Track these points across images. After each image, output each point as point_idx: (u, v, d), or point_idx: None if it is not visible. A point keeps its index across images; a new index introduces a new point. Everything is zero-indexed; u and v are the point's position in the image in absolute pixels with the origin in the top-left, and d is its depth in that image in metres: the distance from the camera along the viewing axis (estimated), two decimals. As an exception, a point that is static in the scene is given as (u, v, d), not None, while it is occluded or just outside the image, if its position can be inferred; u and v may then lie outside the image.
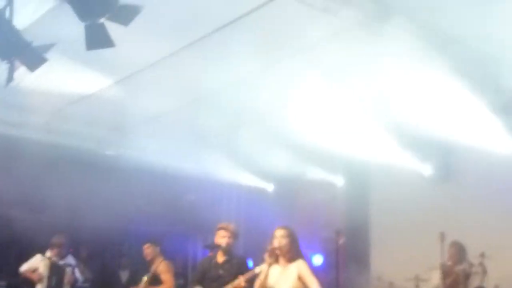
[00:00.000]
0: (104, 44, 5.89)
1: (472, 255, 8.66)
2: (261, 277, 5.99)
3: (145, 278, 8.57)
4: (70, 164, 10.48)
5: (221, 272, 6.97)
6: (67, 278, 9.27)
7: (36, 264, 9.26)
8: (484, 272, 8.45)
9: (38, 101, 9.65)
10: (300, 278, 5.84)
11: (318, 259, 11.37)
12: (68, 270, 9.33)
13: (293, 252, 5.97)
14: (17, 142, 10.15)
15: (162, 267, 8.67)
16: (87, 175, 10.59)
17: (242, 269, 6.93)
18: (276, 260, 5.98)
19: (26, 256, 9.47)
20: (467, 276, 8.41)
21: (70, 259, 9.56)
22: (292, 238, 6.02)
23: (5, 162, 9.98)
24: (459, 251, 8.83)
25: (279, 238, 5.97)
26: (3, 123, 10.08)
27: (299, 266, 5.91)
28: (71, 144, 10.83)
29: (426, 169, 10.54)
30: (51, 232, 9.48)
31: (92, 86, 9.39)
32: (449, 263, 8.77)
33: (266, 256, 6.01)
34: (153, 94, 9.37)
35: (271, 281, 5.94)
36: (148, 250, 8.90)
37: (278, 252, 5.95)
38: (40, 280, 9.14)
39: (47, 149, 10.23)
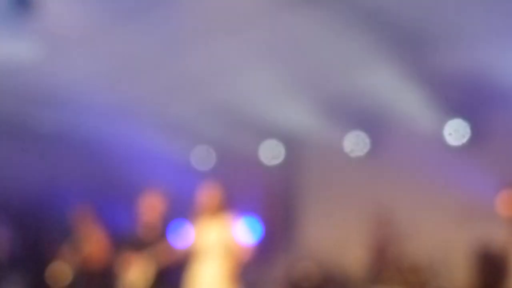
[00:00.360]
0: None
1: (396, 226, 8.93)
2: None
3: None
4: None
5: (150, 240, 6.96)
6: None
7: None
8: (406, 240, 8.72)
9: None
10: (230, 232, 6.03)
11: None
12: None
13: (223, 207, 6.14)
14: None
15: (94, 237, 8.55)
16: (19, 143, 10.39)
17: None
18: (205, 216, 6.20)
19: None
20: (390, 243, 8.68)
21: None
22: (221, 193, 6.23)
23: None
24: (385, 216, 9.09)
25: (209, 194, 6.21)
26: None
27: (229, 220, 6.09)
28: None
29: (355, 145, 10.68)
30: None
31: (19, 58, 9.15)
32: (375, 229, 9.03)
33: (196, 213, 6.32)
34: (85, 63, 9.19)
35: (200, 235, 6.16)
36: (79, 217, 8.79)
37: (208, 207, 6.20)
38: None
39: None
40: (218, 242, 5.92)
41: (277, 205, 11.34)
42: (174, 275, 7.27)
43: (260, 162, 11.62)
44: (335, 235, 9.66)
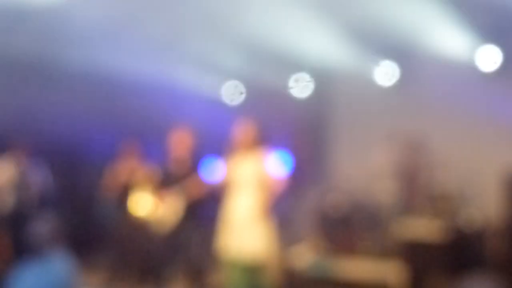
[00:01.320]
0: None
1: (431, 157, 8.93)
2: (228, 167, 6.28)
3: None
4: (23, 78, 10.34)
5: (181, 175, 7.06)
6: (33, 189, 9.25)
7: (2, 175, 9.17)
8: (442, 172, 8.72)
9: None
10: (264, 167, 6.07)
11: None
12: (36, 179, 9.26)
13: (258, 143, 6.18)
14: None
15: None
16: (42, 88, 10.48)
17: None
18: (240, 152, 6.25)
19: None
20: (424, 174, 8.70)
21: (37, 170, 9.48)
22: (257, 129, 6.25)
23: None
24: (418, 146, 9.10)
25: (244, 130, 6.22)
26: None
27: (263, 156, 6.12)
28: (23, 59, 10.63)
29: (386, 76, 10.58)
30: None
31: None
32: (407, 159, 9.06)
33: (232, 148, 6.35)
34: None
35: (235, 170, 6.21)
36: (126, 153, 8.76)
37: (242, 143, 6.23)
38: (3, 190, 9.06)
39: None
40: (252, 176, 6.00)
41: (307, 138, 11.38)
42: (205, 209, 7.41)
43: (290, 95, 11.61)
44: (366, 166, 9.71)
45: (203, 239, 7.02)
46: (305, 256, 8.53)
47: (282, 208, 7.61)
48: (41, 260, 4.81)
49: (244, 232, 5.87)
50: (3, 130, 9.92)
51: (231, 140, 6.23)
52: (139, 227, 8.15)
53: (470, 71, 9.60)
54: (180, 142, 7.25)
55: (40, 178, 9.41)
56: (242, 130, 6.18)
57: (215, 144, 11.27)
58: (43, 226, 4.95)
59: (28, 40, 10.13)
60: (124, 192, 8.42)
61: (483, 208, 8.59)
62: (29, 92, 10.17)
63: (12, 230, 9.01)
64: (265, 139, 6.24)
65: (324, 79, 11.63)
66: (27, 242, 4.99)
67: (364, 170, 9.67)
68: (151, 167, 8.56)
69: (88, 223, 11.91)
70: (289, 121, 11.58)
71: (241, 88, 12.34)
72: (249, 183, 6.01)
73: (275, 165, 6.09)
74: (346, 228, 8.54)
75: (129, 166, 8.62)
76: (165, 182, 7.13)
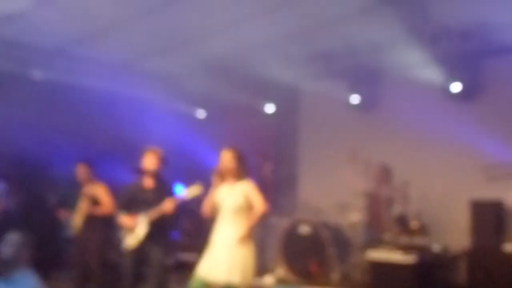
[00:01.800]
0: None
1: (396, 182, 9.01)
2: (210, 196, 6.31)
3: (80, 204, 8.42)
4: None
5: (149, 197, 7.06)
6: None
7: None
8: (406, 199, 8.83)
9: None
10: (246, 197, 6.20)
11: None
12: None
13: (240, 173, 6.29)
14: None
15: (99, 190, 8.52)
16: (9, 97, 10.33)
17: (171, 194, 7.08)
18: (223, 180, 6.30)
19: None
20: (390, 201, 8.74)
21: (1, 185, 9.33)
22: (239, 159, 6.34)
23: None
24: (385, 173, 9.18)
25: (226, 160, 6.28)
26: None
27: (246, 185, 6.25)
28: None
29: (354, 98, 10.71)
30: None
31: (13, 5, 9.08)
32: (374, 187, 9.11)
33: (214, 177, 6.30)
34: (80, 14, 9.13)
35: (219, 198, 6.27)
36: (81, 170, 8.70)
37: (225, 173, 6.26)
38: None
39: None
40: (235, 202, 6.21)
41: (274, 154, 11.50)
42: (170, 226, 7.48)
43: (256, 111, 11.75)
44: (334, 188, 9.81)
45: (163, 256, 7.06)
46: (272, 284, 8.57)
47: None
48: (7, 280, 4.70)
49: (224, 256, 6.04)
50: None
51: (215, 168, 6.34)
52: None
53: (437, 94, 9.75)
54: (151, 162, 7.21)
55: (5, 196, 9.25)
56: (225, 158, 6.31)
57: (184, 159, 11.33)
58: (8, 246, 4.82)
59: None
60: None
61: (451, 233, 8.72)
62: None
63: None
64: (246, 167, 6.42)
65: (292, 97, 11.78)
66: None
67: (332, 192, 9.77)
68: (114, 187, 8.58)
69: (51, 240, 11.81)
70: (257, 137, 11.67)
71: (207, 104, 12.41)
72: (232, 209, 6.22)
73: (255, 192, 6.25)
74: (313, 256, 8.57)
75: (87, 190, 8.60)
76: (136, 204, 7.08)
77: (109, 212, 8.30)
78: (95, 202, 8.45)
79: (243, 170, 6.34)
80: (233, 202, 6.20)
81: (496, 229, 8.05)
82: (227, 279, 5.98)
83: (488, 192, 8.33)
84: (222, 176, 6.31)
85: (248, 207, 6.22)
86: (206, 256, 6.18)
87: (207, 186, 6.83)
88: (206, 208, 6.42)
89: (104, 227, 8.46)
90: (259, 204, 6.18)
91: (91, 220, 8.41)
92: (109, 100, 11.27)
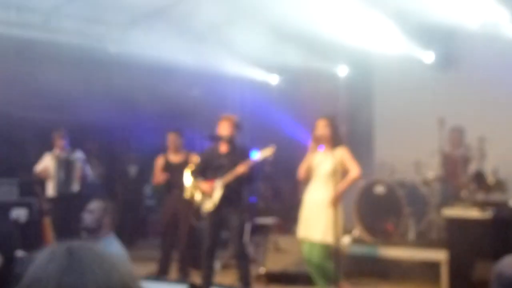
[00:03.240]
0: None
1: (471, 140, 9.00)
2: (306, 160, 6.77)
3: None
4: (71, 62, 10.62)
5: (224, 161, 7.32)
6: (77, 172, 9.49)
7: (47, 162, 9.44)
8: (483, 155, 8.83)
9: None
10: (341, 162, 6.65)
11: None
12: (78, 164, 9.52)
13: (335, 140, 6.72)
14: (17, 42, 10.29)
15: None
16: (89, 72, 10.74)
17: (245, 159, 7.32)
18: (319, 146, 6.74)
19: (40, 155, 9.67)
20: (466, 160, 8.77)
21: (79, 154, 9.70)
22: (334, 127, 6.81)
23: (6, 63, 10.11)
24: (458, 135, 9.18)
25: (321, 128, 6.68)
26: (2, 23, 10.15)
27: (341, 152, 6.68)
28: (71, 42, 10.92)
29: (428, 57, 10.70)
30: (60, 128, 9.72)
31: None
32: (449, 148, 9.12)
33: (312, 144, 6.69)
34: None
35: (314, 163, 6.72)
36: (175, 139, 8.92)
37: (320, 139, 6.66)
38: (49, 176, 9.34)
39: (48, 48, 10.39)
40: (329, 168, 6.63)
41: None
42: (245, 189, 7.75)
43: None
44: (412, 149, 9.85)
45: (241, 219, 7.29)
46: (349, 244, 8.73)
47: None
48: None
49: (319, 217, 6.47)
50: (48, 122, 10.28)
51: (312, 135, 6.64)
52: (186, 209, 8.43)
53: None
54: (224, 127, 7.43)
55: (83, 165, 9.65)
56: (320, 126, 6.69)
57: (259, 125, 11.55)
58: (91, 213, 4.95)
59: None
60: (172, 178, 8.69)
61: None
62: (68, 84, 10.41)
63: (60, 213, 9.38)
64: (340, 134, 6.94)
65: (364, 59, 11.82)
66: (80, 225, 5.07)
67: (408, 151, 9.82)
68: (196, 153, 8.82)
69: (134, 210, 12.33)
70: (331, 100, 11.78)
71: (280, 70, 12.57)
72: (327, 174, 6.64)
73: (349, 158, 6.68)
74: (389, 216, 8.66)
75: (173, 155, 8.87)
76: (212, 169, 7.35)
77: None
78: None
79: (337, 137, 6.74)
80: (328, 167, 6.60)
81: None
82: (323, 238, 6.44)
83: None
84: (318, 143, 6.68)
85: (341, 172, 6.65)
86: (302, 218, 6.60)
87: (280, 149, 7.12)
88: (301, 171, 6.86)
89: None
90: (353, 169, 6.61)
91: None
92: (184, 72, 11.56)
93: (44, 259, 1.24)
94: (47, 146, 9.67)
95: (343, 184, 6.63)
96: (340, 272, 6.69)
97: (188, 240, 8.69)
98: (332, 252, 6.46)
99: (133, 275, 1.27)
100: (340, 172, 6.65)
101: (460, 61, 10.62)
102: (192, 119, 11.99)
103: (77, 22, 10.83)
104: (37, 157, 9.62)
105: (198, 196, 7.56)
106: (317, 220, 6.44)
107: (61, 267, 1.19)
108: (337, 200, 6.52)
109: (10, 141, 10.34)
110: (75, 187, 9.45)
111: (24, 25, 10.41)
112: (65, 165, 9.46)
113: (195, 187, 7.55)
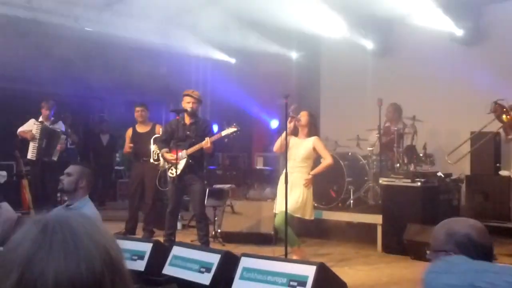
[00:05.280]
0: None
1: (406, 119, 9.10)
2: (282, 137, 6.74)
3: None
4: (51, 39, 10.37)
5: (188, 132, 7.26)
6: (60, 144, 9.25)
7: (30, 127, 9.19)
8: (415, 132, 8.93)
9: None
10: (314, 150, 6.76)
11: (274, 123, 11.87)
12: (62, 137, 9.31)
13: (311, 130, 6.86)
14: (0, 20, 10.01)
15: (158, 130, 8.59)
16: (67, 49, 10.51)
17: (207, 130, 7.31)
18: (296, 134, 6.88)
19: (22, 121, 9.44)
20: (401, 135, 8.83)
21: (61, 125, 9.49)
22: (312, 119, 7.00)
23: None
24: (395, 111, 9.25)
25: (304, 118, 6.82)
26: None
27: (315, 141, 6.79)
28: (52, 21, 10.66)
29: (368, 44, 10.76)
30: (40, 100, 9.50)
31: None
32: (387, 124, 9.20)
33: (291, 126, 6.74)
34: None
35: (291, 146, 6.73)
36: (142, 112, 8.83)
37: (300, 127, 6.82)
38: (32, 138, 9.10)
39: (29, 26, 10.14)
40: (303, 152, 6.74)
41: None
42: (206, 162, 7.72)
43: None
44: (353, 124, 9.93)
45: (202, 185, 7.31)
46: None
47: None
48: (68, 208, 4.68)
49: (296, 195, 6.60)
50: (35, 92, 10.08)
51: (291, 120, 6.73)
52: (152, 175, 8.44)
53: (444, 40, 9.77)
54: (187, 101, 7.36)
55: (64, 132, 9.46)
56: (303, 116, 6.81)
57: (220, 101, 11.49)
58: (69, 176, 4.73)
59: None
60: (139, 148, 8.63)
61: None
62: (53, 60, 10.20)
63: (38, 176, 9.21)
64: (317, 125, 7.25)
65: (314, 44, 11.84)
66: (58, 187, 4.91)
67: (350, 128, 9.90)
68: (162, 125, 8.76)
69: (105, 174, 12.22)
70: (283, 81, 11.78)
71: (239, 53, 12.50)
72: (301, 159, 6.73)
73: (323, 147, 6.84)
74: (333, 184, 8.73)
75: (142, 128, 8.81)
76: (177, 139, 7.28)
77: None
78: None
79: (314, 128, 6.95)
80: (303, 152, 6.73)
81: (493, 157, 8.15)
82: (293, 211, 6.54)
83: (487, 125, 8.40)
84: (297, 130, 6.85)
85: (314, 158, 6.84)
86: (279, 195, 6.63)
87: (238, 123, 7.10)
88: (276, 145, 6.93)
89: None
90: (327, 157, 6.80)
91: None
92: (153, 52, 11.42)
93: (18, 237, 1.17)
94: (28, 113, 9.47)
95: (318, 169, 6.82)
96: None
97: (153, 203, 8.68)
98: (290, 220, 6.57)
99: (114, 246, 1.21)
100: (313, 158, 6.82)
101: (397, 48, 10.72)
102: (160, 94, 11.88)
103: (56, 3, 10.58)
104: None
105: (164, 164, 7.52)
106: (292, 197, 6.52)
107: (34, 244, 1.13)
108: (311, 182, 6.71)
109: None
110: (54, 157, 9.26)
111: (6, 3, 10.14)
112: (48, 135, 9.20)
113: (161, 155, 7.50)
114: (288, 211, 6.41)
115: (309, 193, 6.73)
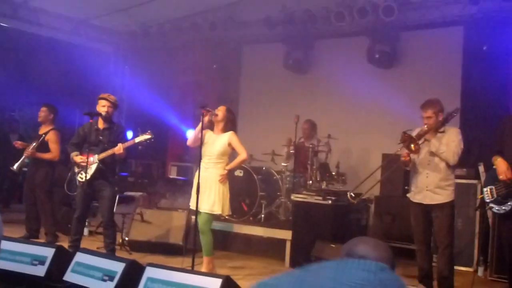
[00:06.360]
0: None
1: (321, 137, 9.22)
2: (196, 131, 6.66)
3: (34, 144, 8.37)
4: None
5: (101, 137, 7.07)
6: None
7: None
8: (329, 150, 9.07)
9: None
10: (229, 145, 6.66)
11: (190, 133, 11.73)
12: None
13: (228, 125, 6.73)
14: None
15: (50, 136, 8.44)
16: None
17: (121, 136, 7.16)
18: (212, 129, 6.76)
19: None
20: (315, 152, 8.93)
21: None
22: (231, 115, 6.85)
23: None
24: (311, 127, 9.37)
25: (221, 113, 6.70)
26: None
27: (230, 136, 6.68)
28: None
29: (288, 59, 10.85)
30: None
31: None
32: (302, 139, 9.29)
33: (206, 120, 6.62)
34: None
35: (206, 141, 6.67)
36: (43, 113, 8.61)
37: (217, 122, 6.70)
38: None
39: None
40: (218, 149, 6.63)
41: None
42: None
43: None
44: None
45: (112, 191, 7.13)
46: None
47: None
48: None
49: (209, 192, 6.52)
50: None
51: (207, 113, 6.59)
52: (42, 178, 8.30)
53: (362, 61, 9.98)
54: (102, 105, 7.17)
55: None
56: (220, 111, 6.68)
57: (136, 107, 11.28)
58: None
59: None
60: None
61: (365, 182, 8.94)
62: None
63: None
64: (234, 121, 6.92)
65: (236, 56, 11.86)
66: None
67: (265, 140, 9.94)
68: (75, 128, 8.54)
69: (12, 176, 11.75)
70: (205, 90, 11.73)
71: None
72: (217, 154, 6.62)
73: (238, 142, 6.68)
74: (246, 197, 8.72)
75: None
76: (89, 143, 7.06)
77: (54, 158, 8.41)
78: (44, 147, 8.42)
79: (230, 123, 6.78)
80: (218, 148, 6.62)
81: (402, 180, 8.35)
82: (210, 209, 6.50)
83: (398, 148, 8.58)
84: (213, 124, 6.73)
85: (229, 153, 6.74)
86: (194, 191, 6.49)
87: (153, 131, 6.98)
88: (190, 139, 6.81)
89: (49, 166, 8.48)
90: (242, 152, 6.68)
91: (37, 160, 8.43)
92: (70, 51, 11.12)
93: None
94: None
95: (233, 164, 6.75)
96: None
97: (50, 206, 8.43)
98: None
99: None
100: (229, 154, 6.73)
101: (315, 67, 10.85)
102: (74, 96, 11.55)
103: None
104: None
105: (74, 168, 7.27)
106: (208, 194, 6.46)
107: None
108: (226, 178, 6.64)
109: None
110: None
111: None
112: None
113: (71, 158, 7.25)
114: (206, 211, 6.44)
115: (225, 188, 6.66)
